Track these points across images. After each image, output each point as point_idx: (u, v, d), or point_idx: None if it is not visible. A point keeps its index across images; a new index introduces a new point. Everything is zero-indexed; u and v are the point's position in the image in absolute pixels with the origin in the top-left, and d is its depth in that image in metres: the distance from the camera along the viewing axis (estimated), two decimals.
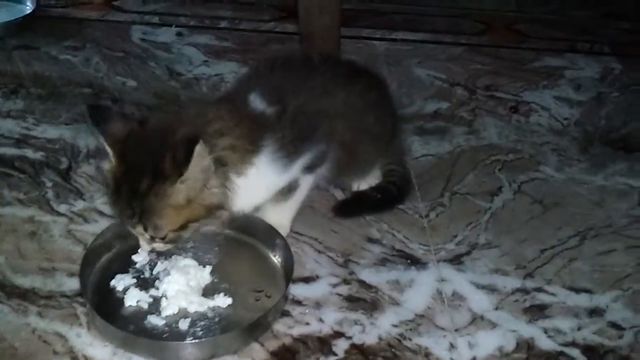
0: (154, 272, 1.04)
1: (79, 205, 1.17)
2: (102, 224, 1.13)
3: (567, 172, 1.37)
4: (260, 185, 1.02)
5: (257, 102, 1.03)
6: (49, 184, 1.21)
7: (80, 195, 1.19)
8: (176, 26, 1.81)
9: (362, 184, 1.23)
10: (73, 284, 1.02)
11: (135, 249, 1.05)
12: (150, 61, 1.64)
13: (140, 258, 1.06)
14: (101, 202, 1.18)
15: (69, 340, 0.94)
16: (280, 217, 1.11)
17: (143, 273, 1.04)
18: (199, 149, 0.88)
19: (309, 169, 1.07)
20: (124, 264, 1.04)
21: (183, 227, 0.94)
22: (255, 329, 0.95)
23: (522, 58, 1.82)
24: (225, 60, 1.68)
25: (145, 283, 1.01)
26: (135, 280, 1.01)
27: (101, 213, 1.16)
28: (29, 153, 1.28)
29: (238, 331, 0.93)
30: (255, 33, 1.83)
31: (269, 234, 1.09)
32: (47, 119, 1.39)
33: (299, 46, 1.49)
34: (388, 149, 1.24)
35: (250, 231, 1.10)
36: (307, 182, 1.09)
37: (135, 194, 0.91)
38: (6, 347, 0.92)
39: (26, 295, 1.00)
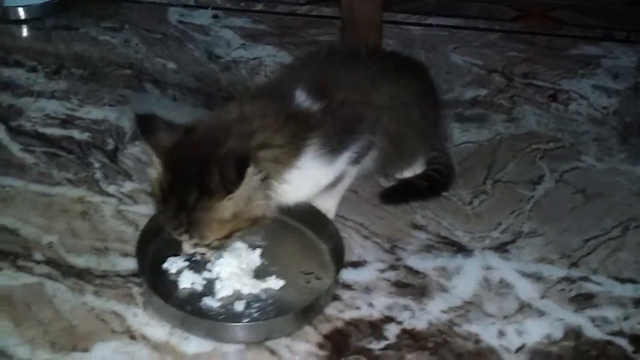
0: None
1: (128, 186, 1.18)
2: (151, 206, 1.14)
3: (607, 161, 1.37)
4: (306, 184, 1.03)
5: (302, 98, 1.02)
6: (97, 165, 1.22)
7: (128, 176, 1.21)
8: (212, 8, 1.81)
9: (407, 173, 1.24)
10: (127, 264, 1.04)
11: None
12: (189, 43, 1.65)
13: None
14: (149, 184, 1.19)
15: (126, 319, 0.95)
16: (326, 204, 1.12)
17: (195, 255, 1.05)
18: (250, 171, 0.89)
19: (355, 160, 1.08)
20: (175, 247, 1.05)
21: (227, 236, 0.95)
22: (309, 312, 0.96)
23: (558, 45, 1.82)
24: (263, 43, 1.68)
25: (197, 266, 1.02)
26: (187, 263, 1.03)
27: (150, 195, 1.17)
28: (75, 134, 1.30)
29: (293, 314, 0.95)
30: (291, 16, 1.83)
31: (317, 218, 1.10)
32: (90, 100, 1.40)
33: (341, 32, 1.48)
34: (432, 139, 1.24)
35: (298, 215, 1.11)
36: (352, 173, 1.10)
37: (182, 206, 0.91)
38: (65, 326, 0.94)
39: (81, 275, 1.01)
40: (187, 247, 0.97)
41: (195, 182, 0.91)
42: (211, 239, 0.94)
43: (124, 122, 1.34)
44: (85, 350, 0.91)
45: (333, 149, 1.02)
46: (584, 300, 1.05)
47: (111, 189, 1.18)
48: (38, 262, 1.03)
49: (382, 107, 1.09)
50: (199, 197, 0.91)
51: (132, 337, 0.93)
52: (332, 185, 1.10)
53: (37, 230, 1.08)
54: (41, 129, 1.29)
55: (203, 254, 0.99)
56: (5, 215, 1.09)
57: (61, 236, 1.07)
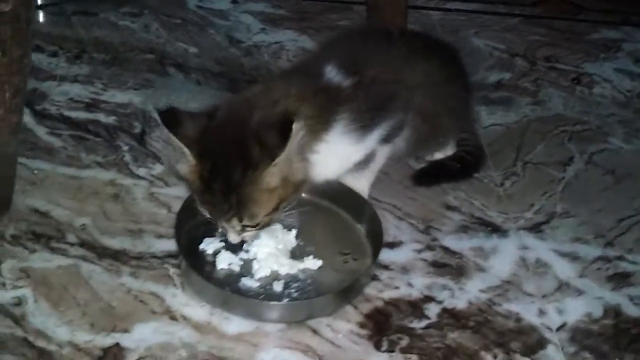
0: None
1: (158, 169, 1.17)
2: (183, 188, 1.13)
3: (635, 143, 1.36)
4: (335, 159, 1.02)
5: (333, 74, 1.01)
6: (125, 148, 1.21)
7: (157, 159, 1.19)
8: None
9: (437, 154, 1.23)
10: (162, 246, 1.03)
11: None
12: (209, 28, 1.63)
13: None
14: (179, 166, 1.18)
15: (165, 300, 0.94)
16: (358, 184, 1.11)
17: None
18: (297, 126, 0.88)
19: (386, 139, 1.07)
20: (210, 228, 1.04)
21: (275, 208, 0.93)
22: (350, 292, 0.95)
23: (578, 30, 1.80)
24: (283, 28, 1.66)
25: (233, 246, 1.01)
26: (223, 244, 1.01)
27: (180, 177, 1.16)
28: (101, 117, 1.28)
29: (334, 294, 0.94)
30: (310, 1, 1.81)
31: (352, 199, 1.09)
32: (114, 84, 1.38)
33: (367, 15, 1.47)
34: (463, 120, 1.23)
35: (332, 196, 1.10)
36: (383, 153, 1.09)
37: (229, 187, 0.90)
38: (104, 307, 0.93)
39: (117, 256, 1.00)
40: (234, 235, 0.95)
41: (236, 160, 0.90)
42: (261, 216, 0.93)
43: (149, 105, 1.32)
44: (126, 330, 0.90)
45: (363, 125, 1.01)
46: (621, 279, 1.05)
47: (141, 171, 1.16)
48: (72, 244, 1.01)
49: (415, 86, 1.08)
50: (243, 173, 0.90)
51: (172, 318, 0.92)
52: (364, 164, 1.08)
53: (69, 213, 1.07)
54: (66, 113, 1.28)
55: (246, 237, 0.97)
56: (35, 198, 1.08)
57: (94, 218, 1.06)
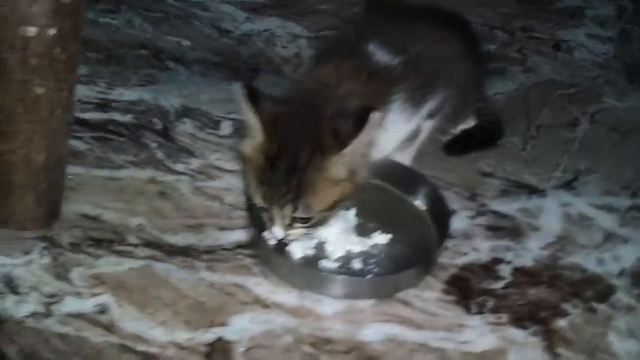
0: None
1: (195, 163, 1.14)
2: (227, 180, 1.11)
3: (627, 102, 1.45)
4: (390, 140, 1.03)
5: (380, 54, 1.02)
6: (154, 145, 1.17)
7: (191, 153, 1.16)
8: None
9: (461, 127, 1.26)
10: (228, 238, 1.01)
11: None
12: (194, 20, 1.59)
13: None
14: (215, 159, 1.15)
15: (251, 290, 0.93)
16: (403, 160, 1.13)
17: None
18: (374, 117, 0.87)
19: (431, 115, 1.09)
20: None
21: (331, 207, 0.92)
22: (431, 264, 0.97)
23: (544, 0, 1.88)
24: (267, 16, 1.64)
25: (279, 247, 1.00)
26: None
27: (220, 169, 1.14)
28: (118, 117, 1.23)
29: (420, 267, 0.95)
30: None
31: (400, 174, 1.10)
32: (118, 82, 1.32)
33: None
34: (482, 89, 1.27)
35: (380, 173, 1.11)
36: (428, 128, 1.11)
37: (294, 168, 0.88)
38: (193, 304, 0.90)
39: (187, 253, 0.97)
40: (280, 229, 0.92)
41: (306, 142, 0.89)
42: (316, 210, 0.91)
43: (162, 101, 1.28)
44: (223, 324, 0.88)
45: (415, 103, 1.03)
46: None
47: (179, 167, 1.13)
48: (136, 246, 0.97)
49: (451, 59, 1.11)
50: (311, 156, 0.89)
51: (265, 306, 0.91)
52: (410, 140, 1.10)
53: (120, 215, 1.02)
54: (80, 115, 1.21)
55: (292, 236, 0.94)
56: (80, 203, 1.03)
57: (148, 218, 1.02)
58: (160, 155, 1.15)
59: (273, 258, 0.94)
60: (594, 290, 0.99)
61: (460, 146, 1.22)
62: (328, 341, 0.87)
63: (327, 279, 0.92)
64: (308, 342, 0.87)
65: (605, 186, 1.19)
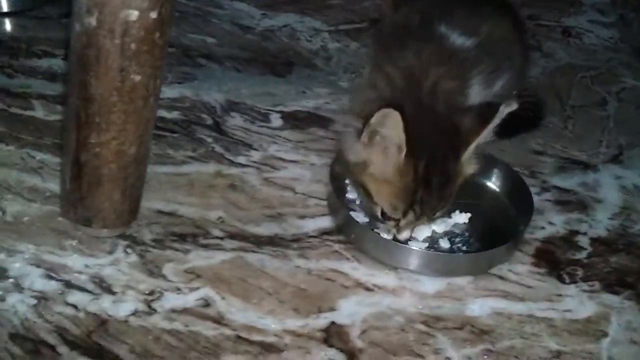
0: None
1: (255, 155, 1.12)
2: (292, 170, 1.10)
3: None
4: None
5: (453, 36, 1.01)
6: (210, 140, 1.14)
7: (248, 146, 1.14)
8: None
9: (507, 109, 1.27)
10: (311, 225, 0.99)
11: (343, 189, 1.03)
12: (212, 18, 1.56)
13: (353, 196, 1.04)
14: (274, 150, 1.14)
15: (349, 274, 0.92)
16: None
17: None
18: (502, 111, 0.88)
19: (497, 97, 1.10)
20: (347, 203, 1.02)
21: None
22: (519, 239, 0.98)
23: None
24: (283, 12, 1.63)
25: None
26: (368, 216, 1.00)
27: (282, 159, 1.12)
28: (164, 113, 1.20)
29: (512, 242, 0.95)
30: None
31: None
32: None
33: None
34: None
35: None
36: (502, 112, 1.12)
37: (446, 182, 0.88)
38: (296, 291, 0.88)
39: (274, 242, 0.95)
40: (407, 232, 0.92)
41: (447, 150, 0.88)
42: (448, 205, 0.92)
43: (204, 96, 1.26)
44: (332, 309, 0.86)
45: (488, 85, 1.04)
46: None
47: (241, 159, 1.11)
48: (222, 238, 0.95)
49: (511, 40, 1.12)
50: (455, 162, 0.88)
51: (368, 289, 0.90)
52: None
53: (197, 209, 0.99)
54: None
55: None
56: (151, 200, 0.99)
57: (225, 210, 1.00)
58: (218, 149, 1.13)
59: (370, 237, 0.92)
60: None
61: (510, 128, 1.23)
62: (438, 318, 0.87)
63: (425, 255, 0.91)
64: (419, 320, 0.86)
65: None
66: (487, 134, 0.90)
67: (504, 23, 1.12)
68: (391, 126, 0.83)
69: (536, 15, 1.76)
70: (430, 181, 0.87)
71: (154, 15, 0.77)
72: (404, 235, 0.93)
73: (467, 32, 1.02)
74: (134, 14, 0.76)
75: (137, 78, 0.80)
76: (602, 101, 1.40)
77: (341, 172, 0.99)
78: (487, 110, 0.89)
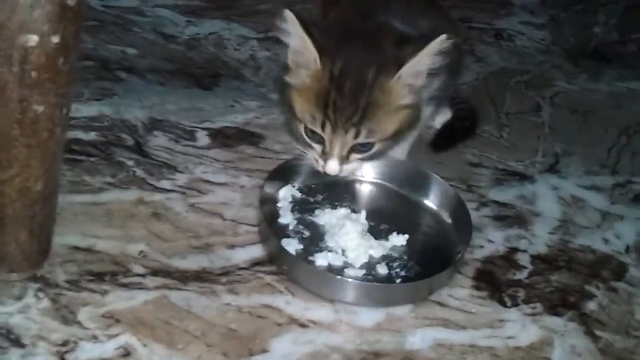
0: (313, 229, 0.97)
1: (181, 178, 1.05)
2: (221, 193, 1.03)
3: (576, 83, 1.50)
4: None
5: (399, 25, 0.99)
6: (130, 163, 1.06)
7: (173, 168, 1.07)
8: None
9: (439, 118, 1.24)
10: (240, 255, 0.93)
11: (275, 213, 0.98)
12: (133, 27, 1.47)
13: (286, 220, 0.98)
14: (201, 172, 1.07)
15: (283, 309, 0.86)
16: (399, 151, 1.09)
17: (302, 233, 0.97)
18: (444, 39, 0.87)
19: (430, 99, 1.07)
20: (280, 229, 0.96)
21: (391, 137, 0.93)
22: (460, 262, 0.94)
23: None
24: (208, 18, 1.56)
25: (313, 242, 0.95)
26: (301, 242, 0.94)
27: (209, 182, 1.05)
28: (80, 135, 1.11)
29: (452, 267, 0.92)
30: None
31: (405, 173, 1.06)
32: None
33: None
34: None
35: (383, 173, 1.07)
36: (427, 114, 1.09)
37: (361, 87, 0.88)
38: (225, 332, 0.82)
39: (201, 277, 0.89)
40: (335, 163, 0.92)
41: (371, 60, 0.89)
42: (378, 135, 0.91)
43: (124, 114, 1.17)
44: (265, 351, 0.80)
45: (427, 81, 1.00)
46: None
47: (165, 184, 1.03)
48: (143, 275, 0.88)
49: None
50: (377, 74, 0.89)
51: (302, 325, 0.84)
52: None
53: (116, 243, 0.92)
54: None
55: (345, 171, 0.94)
56: (67, 235, 0.91)
57: (148, 242, 0.92)
58: (140, 173, 1.05)
59: (302, 269, 0.87)
60: (608, 269, 1.00)
61: (445, 140, 1.20)
62: (377, 354, 0.82)
63: (365, 287, 0.87)
64: (358, 357, 0.81)
65: (586, 166, 1.22)
66: (424, 63, 0.89)
67: (441, 24, 1.08)
68: (290, 28, 0.88)
69: (468, 17, 1.74)
70: (343, 83, 0.88)
71: (56, 39, 0.69)
72: (331, 166, 0.92)
73: (409, 25, 0.99)
74: (34, 39, 0.68)
75: (40, 109, 0.72)
76: (537, 107, 1.39)
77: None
78: (423, 38, 0.89)
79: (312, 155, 0.95)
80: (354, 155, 0.93)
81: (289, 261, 0.88)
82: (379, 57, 0.90)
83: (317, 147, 0.94)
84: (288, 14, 0.89)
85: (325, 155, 0.92)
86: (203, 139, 1.15)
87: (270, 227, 0.92)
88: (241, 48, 1.46)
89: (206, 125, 1.18)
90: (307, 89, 0.91)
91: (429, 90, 1.04)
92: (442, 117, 1.24)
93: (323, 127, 0.90)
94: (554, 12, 1.82)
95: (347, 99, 0.88)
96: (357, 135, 0.90)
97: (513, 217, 1.07)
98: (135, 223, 0.95)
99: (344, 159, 0.92)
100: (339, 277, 0.87)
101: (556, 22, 1.77)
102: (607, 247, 1.04)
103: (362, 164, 0.97)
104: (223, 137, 1.16)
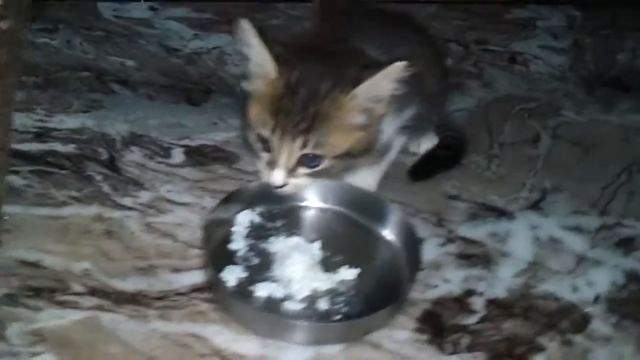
0: (263, 257, 0.96)
1: (144, 196, 1.06)
2: (180, 214, 1.03)
3: (585, 114, 1.43)
4: (386, 132, 1.00)
5: (368, 49, 0.99)
6: (99, 178, 1.08)
7: (139, 185, 1.08)
8: (146, 0, 1.66)
9: (423, 145, 1.21)
10: (182, 280, 0.93)
11: (228, 237, 0.97)
12: (138, 38, 1.50)
13: (237, 246, 0.98)
14: (166, 191, 1.08)
15: (209, 339, 0.85)
16: (368, 180, 1.07)
17: (249, 260, 0.96)
18: (400, 66, 0.86)
19: (404, 128, 1.04)
20: (227, 255, 0.96)
21: (342, 156, 0.91)
22: (404, 301, 0.91)
23: (493, 12, 1.85)
24: (215, 32, 1.57)
25: (259, 270, 0.94)
26: (246, 270, 0.93)
27: (172, 202, 1.06)
28: (58, 147, 1.14)
29: (392, 306, 0.89)
30: (233, 2, 1.73)
31: (367, 202, 1.04)
32: (57, 108, 1.23)
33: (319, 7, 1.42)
34: (445, 103, 1.23)
35: (346, 201, 1.05)
36: (399, 144, 1.07)
37: (314, 97, 0.88)
38: (144, 359, 0.82)
39: (136, 299, 0.89)
40: (281, 174, 0.91)
41: (328, 73, 0.90)
42: (326, 148, 0.90)
43: (106, 127, 1.19)
44: None
45: (398, 108, 0.98)
46: (627, 245, 1.09)
47: (127, 201, 1.04)
48: (81, 294, 0.89)
49: (425, 70, 1.06)
50: (332, 88, 0.89)
51: (224, 358, 0.83)
52: (379, 155, 1.04)
53: (63, 259, 0.93)
54: (17, 146, 1.12)
55: (290, 185, 0.94)
56: (17, 248, 0.94)
57: (94, 261, 0.94)
58: (106, 188, 1.07)
59: (232, 303, 0.87)
60: (569, 320, 0.95)
61: (424, 170, 1.17)
62: None
63: (292, 325, 0.85)
64: None
65: (573, 205, 1.16)
66: (379, 86, 0.89)
67: (419, 51, 1.06)
68: (247, 38, 0.91)
69: (484, 39, 1.69)
70: (297, 91, 0.88)
71: None
72: (276, 175, 0.91)
73: (381, 49, 0.99)
74: None
75: None
76: (536, 137, 1.33)
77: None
78: (380, 63, 0.89)
79: (260, 166, 0.95)
80: (302, 170, 0.92)
81: (218, 291, 0.88)
82: (338, 74, 0.90)
83: (265, 156, 0.93)
84: (245, 24, 0.91)
85: (271, 165, 0.92)
86: (178, 156, 1.16)
87: (211, 254, 0.91)
88: (241, 64, 1.46)
89: (185, 142, 1.19)
90: (262, 96, 0.92)
91: (399, 120, 1.02)
92: (427, 143, 1.21)
93: (273, 132, 0.90)
94: (580, 36, 1.75)
95: (298, 106, 0.88)
96: (304, 145, 0.89)
97: (478, 256, 1.03)
98: (86, 240, 0.97)
99: (291, 172, 0.91)
100: (264, 313, 0.85)
101: (579, 47, 1.70)
102: (574, 295, 0.99)
103: (311, 181, 0.94)
104: (198, 155, 1.16)
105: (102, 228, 0.99)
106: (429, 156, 1.19)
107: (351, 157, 0.93)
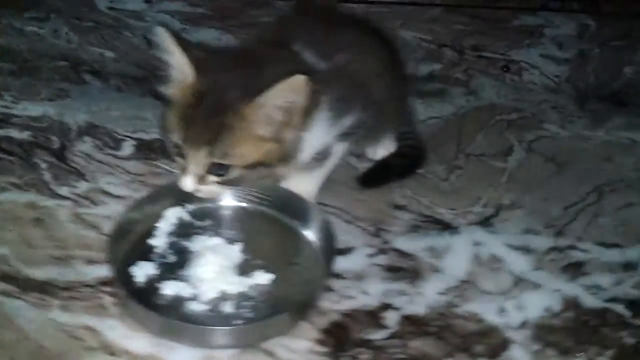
0: (181, 255, 0.96)
1: (82, 186, 1.07)
2: (112, 207, 1.04)
3: (570, 128, 1.36)
4: (313, 142, 0.97)
5: (307, 54, 0.97)
6: (44, 166, 1.10)
7: (81, 176, 1.09)
8: None
9: (380, 151, 1.18)
10: (94, 272, 0.94)
11: (150, 232, 0.97)
12: (125, 30, 1.53)
13: (157, 242, 0.98)
14: (106, 182, 1.09)
15: (102, 333, 0.86)
16: (307, 186, 1.05)
17: (166, 258, 0.96)
18: (300, 79, 0.84)
19: (344, 136, 1.02)
20: (144, 250, 0.96)
21: (251, 166, 0.90)
22: (307, 307, 0.89)
23: (500, 18, 1.80)
24: (204, 27, 1.58)
25: (172, 268, 0.93)
26: (160, 267, 0.93)
27: (108, 194, 1.07)
28: (14, 133, 1.17)
29: (290, 313, 0.87)
30: None
31: (297, 205, 1.02)
32: (25, 95, 1.27)
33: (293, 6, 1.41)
34: (404, 111, 1.19)
35: (275, 203, 1.04)
36: (339, 150, 1.04)
37: (219, 107, 0.87)
38: (33, 348, 0.83)
39: (43, 288, 0.90)
40: (190, 180, 0.90)
41: (238, 86, 0.88)
42: (233, 157, 0.88)
43: (67, 117, 1.22)
44: None
45: (335, 114, 0.97)
46: (575, 269, 1.03)
47: (64, 190, 1.06)
48: None
49: (373, 77, 1.03)
50: (238, 99, 0.87)
51: (112, 353, 0.83)
52: (317, 161, 1.02)
53: None
54: None
55: (202, 192, 0.92)
56: None
57: (13, 247, 0.96)
58: (47, 177, 1.09)
59: (125, 300, 0.86)
60: (485, 344, 0.90)
61: (375, 177, 1.14)
62: None
63: (177, 327, 0.84)
64: None
65: (527, 223, 1.11)
66: (280, 98, 0.87)
67: (367, 58, 1.04)
68: (165, 45, 0.90)
69: (481, 46, 1.63)
70: (205, 100, 0.87)
71: None
72: (185, 181, 0.90)
73: (321, 56, 0.97)
74: None
75: None
76: (508, 151, 1.28)
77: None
78: (285, 75, 0.85)
79: (176, 170, 0.94)
80: (212, 178, 0.91)
81: (117, 286, 0.88)
82: (249, 83, 0.88)
83: (179, 161, 0.93)
84: (161, 31, 0.91)
85: (183, 171, 0.91)
86: (128, 148, 1.17)
87: (122, 247, 0.91)
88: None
89: (138, 135, 1.20)
90: (176, 103, 0.91)
91: (337, 127, 1.00)
92: (384, 150, 1.18)
93: (183, 140, 0.90)
94: (587, 46, 1.67)
95: (204, 116, 0.87)
96: (210, 154, 0.88)
97: (407, 270, 1.00)
98: (13, 226, 0.99)
99: (201, 179, 0.90)
100: (152, 313, 0.84)
101: (583, 57, 1.63)
102: (499, 318, 0.94)
103: (224, 189, 0.93)
104: (147, 149, 1.17)
105: (32, 216, 1.01)
106: (382, 163, 1.16)
107: (266, 167, 0.91)
